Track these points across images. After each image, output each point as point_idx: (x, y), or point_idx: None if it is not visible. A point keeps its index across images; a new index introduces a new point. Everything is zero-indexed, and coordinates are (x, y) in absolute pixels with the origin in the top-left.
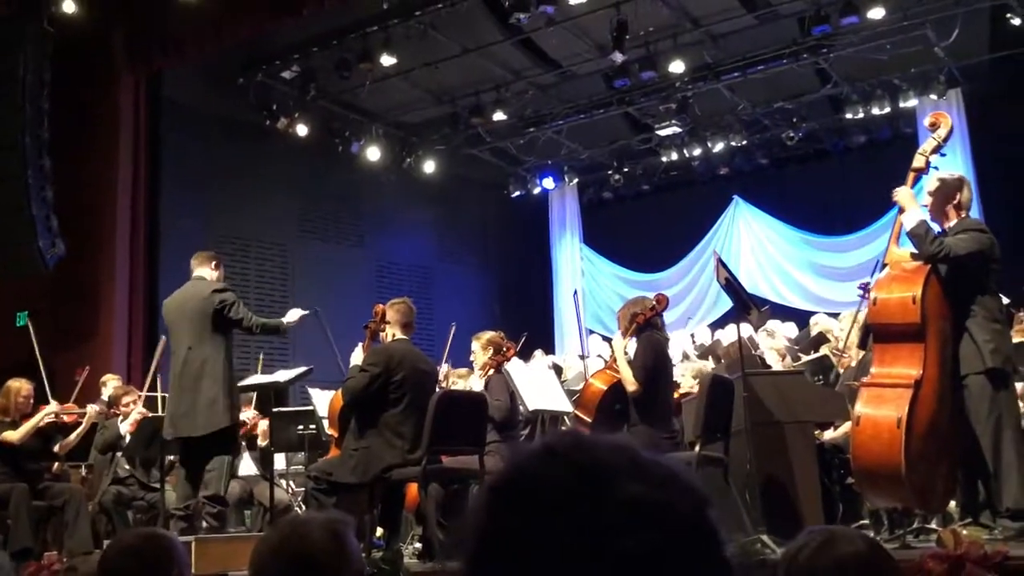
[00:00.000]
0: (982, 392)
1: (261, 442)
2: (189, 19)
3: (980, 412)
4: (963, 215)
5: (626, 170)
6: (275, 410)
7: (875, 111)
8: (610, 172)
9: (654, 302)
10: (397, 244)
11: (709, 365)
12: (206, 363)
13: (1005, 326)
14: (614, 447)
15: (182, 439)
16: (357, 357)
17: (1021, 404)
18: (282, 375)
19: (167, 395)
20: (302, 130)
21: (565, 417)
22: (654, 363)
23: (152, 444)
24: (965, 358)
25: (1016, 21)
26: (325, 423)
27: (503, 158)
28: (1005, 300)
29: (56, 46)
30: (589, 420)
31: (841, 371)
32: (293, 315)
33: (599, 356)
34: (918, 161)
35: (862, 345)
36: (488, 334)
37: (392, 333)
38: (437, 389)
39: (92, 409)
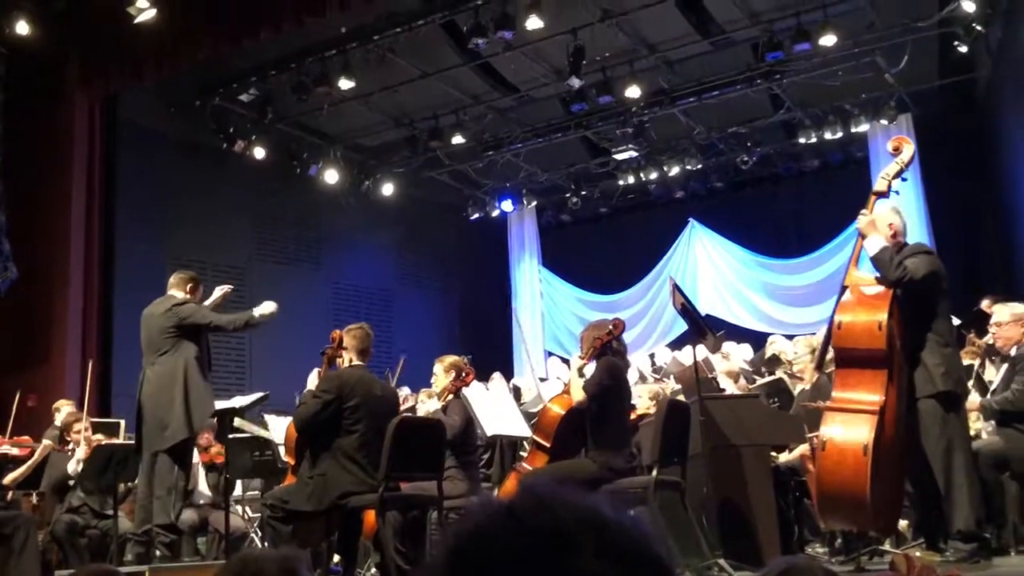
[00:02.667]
0: (933, 415)
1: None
2: (146, 41)
3: (931, 435)
4: (902, 240)
5: (584, 193)
6: (231, 436)
7: (827, 136)
8: (568, 195)
9: (611, 326)
10: (355, 267)
11: (670, 385)
12: (164, 378)
13: (955, 349)
14: (580, 513)
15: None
16: (312, 382)
17: (974, 424)
18: (239, 401)
19: (139, 412)
20: (259, 153)
21: (524, 441)
22: (609, 382)
23: (107, 472)
24: (917, 382)
25: (963, 48)
26: (282, 450)
27: (462, 181)
28: (956, 322)
29: (10, 67)
30: (547, 445)
31: (796, 393)
32: (267, 308)
33: (558, 378)
34: (880, 184)
35: (818, 367)
36: (451, 358)
37: (349, 359)
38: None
39: (45, 443)
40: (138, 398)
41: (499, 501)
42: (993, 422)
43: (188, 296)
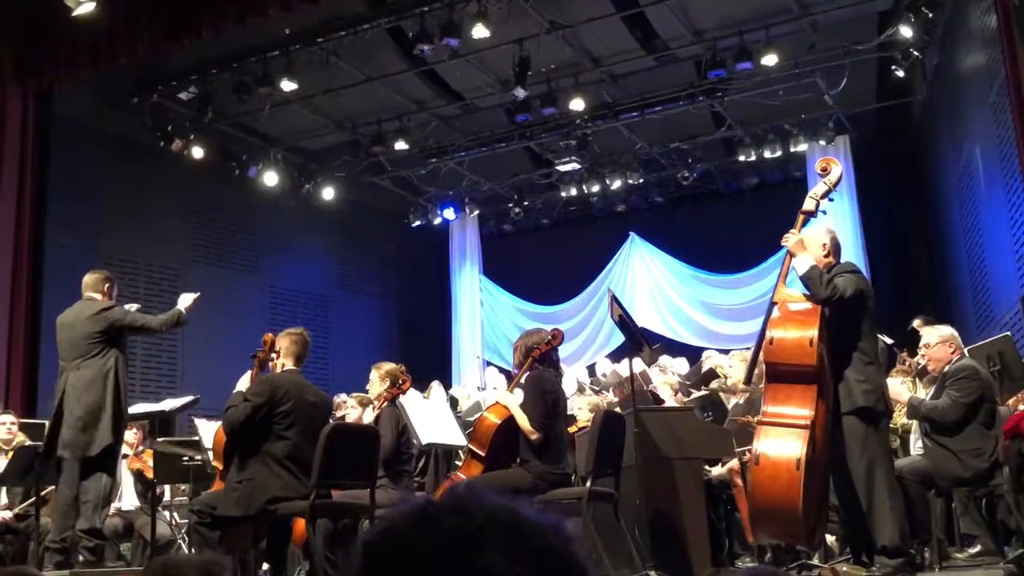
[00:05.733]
0: (855, 431)
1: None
2: (83, 35)
3: (853, 451)
4: (834, 260)
5: (526, 203)
6: (160, 440)
7: (767, 154)
8: (511, 205)
9: (550, 336)
10: (293, 271)
11: (609, 397)
12: (94, 383)
13: (879, 367)
14: (493, 513)
15: (59, 466)
16: (243, 384)
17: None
18: (168, 404)
19: (57, 417)
20: (198, 152)
21: (460, 450)
22: (545, 405)
23: (29, 473)
24: (840, 397)
25: (901, 73)
26: (211, 454)
27: (404, 187)
28: (888, 340)
29: None
30: (482, 454)
31: (729, 407)
32: (185, 300)
33: (494, 388)
34: (808, 204)
35: (747, 381)
36: (388, 365)
37: (283, 363)
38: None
39: None
40: (58, 403)
41: (416, 500)
42: (923, 439)
43: (105, 296)
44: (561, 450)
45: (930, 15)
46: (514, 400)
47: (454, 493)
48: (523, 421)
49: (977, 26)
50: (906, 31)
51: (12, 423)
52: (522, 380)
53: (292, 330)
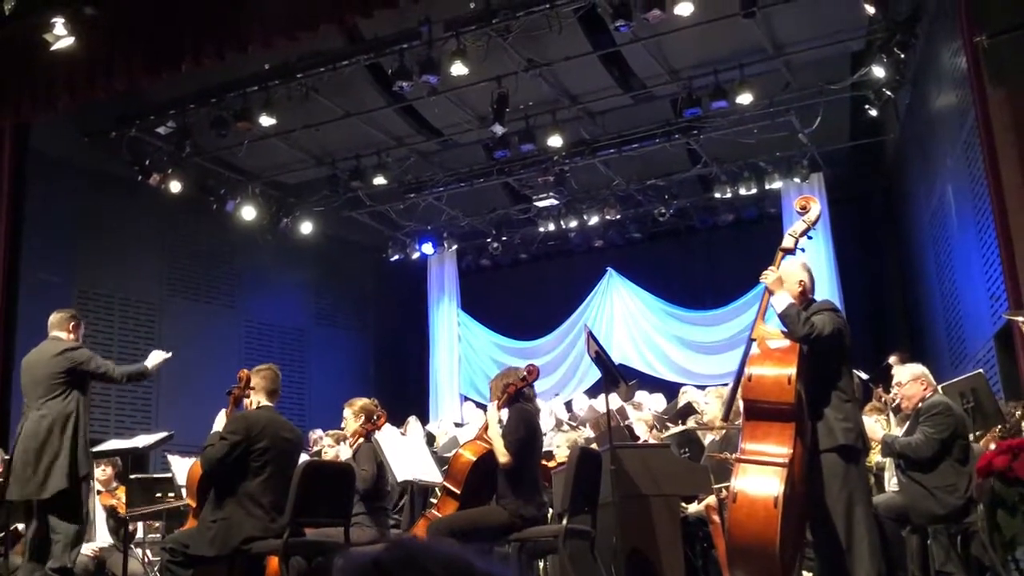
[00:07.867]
0: (834, 468)
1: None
2: (61, 69)
3: (832, 488)
4: (810, 296)
5: (504, 238)
6: (133, 477)
7: (742, 191)
8: (489, 240)
9: (525, 372)
10: (271, 306)
11: (586, 434)
12: (53, 425)
13: (856, 404)
14: (446, 564)
15: (28, 504)
16: (219, 423)
17: (874, 457)
18: (142, 440)
19: (14, 456)
20: (175, 187)
21: (436, 487)
22: (525, 435)
23: None
24: (819, 435)
25: (873, 112)
26: (184, 491)
27: (383, 222)
28: (864, 376)
29: None
30: (458, 492)
31: (705, 443)
32: (155, 358)
33: (470, 424)
34: (787, 242)
35: (725, 418)
36: (361, 401)
37: (257, 400)
38: (305, 455)
39: None
40: (24, 443)
41: (367, 555)
42: (897, 475)
43: (71, 335)
44: (537, 487)
45: (902, 56)
46: (495, 416)
47: (404, 546)
48: (498, 443)
49: (947, 67)
50: (878, 71)
51: None
52: (502, 415)
53: (262, 367)
